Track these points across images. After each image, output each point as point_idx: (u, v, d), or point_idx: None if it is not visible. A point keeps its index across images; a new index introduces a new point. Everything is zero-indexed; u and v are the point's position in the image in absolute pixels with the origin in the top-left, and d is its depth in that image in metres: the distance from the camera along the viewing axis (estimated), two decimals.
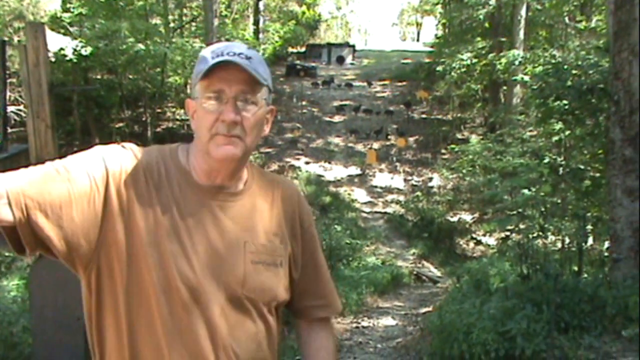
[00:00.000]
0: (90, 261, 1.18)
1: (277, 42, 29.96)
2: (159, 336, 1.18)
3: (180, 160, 1.27)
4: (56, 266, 1.37)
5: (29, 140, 4.81)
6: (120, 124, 19.15)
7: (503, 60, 16.69)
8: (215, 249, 1.22)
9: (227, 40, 20.35)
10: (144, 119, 19.41)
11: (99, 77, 17.98)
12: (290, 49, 31.83)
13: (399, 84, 26.98)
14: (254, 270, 1.25)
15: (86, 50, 15.86)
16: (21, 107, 13.40)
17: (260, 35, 29.29)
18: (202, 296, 1.19)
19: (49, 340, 4.21)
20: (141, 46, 16.01)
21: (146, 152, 1.26)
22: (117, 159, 1.20)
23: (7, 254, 8.39)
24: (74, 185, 1.13)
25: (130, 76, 18.14)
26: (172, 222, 1.20)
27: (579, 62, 7.81)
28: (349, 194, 17.56)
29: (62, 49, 15.70)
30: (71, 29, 19.35)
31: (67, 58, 15.76)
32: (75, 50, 15.86)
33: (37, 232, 1.11)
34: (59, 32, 17.57)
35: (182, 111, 19.14)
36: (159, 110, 20.53)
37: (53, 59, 13.98)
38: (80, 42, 16.32)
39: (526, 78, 13.15)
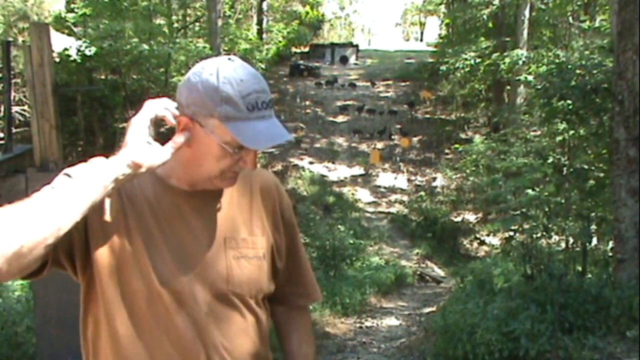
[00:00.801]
0: (83, 275, 1.23)
1: (280, 42, 29.95)
2: (144, 342, 1.19)
3: None
4: None
5: (33, 140, 4.81)
6: (124, 124, 19.12)
7: (507, 60, 16.66)
8: (194, 248, 1.23)
9: (231, 40, 20.37)
10: None
11: (103, 77, 17.97)
12: (293, 49, 31.80)
13: (403, 84, 26.94)
14: (237, 265, 1.26)
15: (90, 51, 15.89)
16: (25, 107, 13.47)
17: (264, 36, 29.26)
18: (186, 298, 1.20)
19: (53, 339, 4.22)
20: (145, 46, 16.00)
21: None
22: None
23: None
24: None
25: (134, 76, 18.12)
26: (147, 229, 1.21)
27: (583, 62, 7.77)
28: (353, 194, 17.55)
29: (66, 49, 15.74)
30: (75, 29, 19.41)
31: (71, 58, 15.80)
32: (79, 50, 15.90)
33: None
34: (63, 33, 17.64)
35: None
36: None
37: (57, 60, 14.01)
38: (85, 42, 16.36)
39: (530, 78, 13.11)
